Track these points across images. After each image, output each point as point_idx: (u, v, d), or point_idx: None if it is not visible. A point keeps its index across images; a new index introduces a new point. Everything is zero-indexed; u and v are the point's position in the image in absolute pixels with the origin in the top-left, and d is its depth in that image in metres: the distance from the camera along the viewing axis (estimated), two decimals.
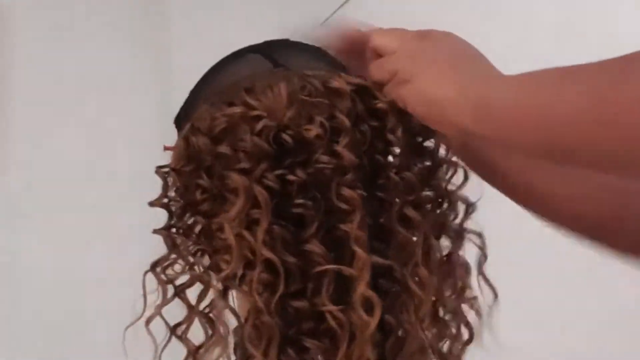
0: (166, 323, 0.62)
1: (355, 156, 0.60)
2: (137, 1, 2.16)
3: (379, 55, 0.65)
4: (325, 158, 0.60)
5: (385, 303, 0.60)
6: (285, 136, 0.60)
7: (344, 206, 0.60)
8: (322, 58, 0.67)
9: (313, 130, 0.60)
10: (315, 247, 0.59)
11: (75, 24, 2.10)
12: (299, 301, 0.60)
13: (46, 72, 2.03)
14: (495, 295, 0.66)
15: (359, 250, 0.59)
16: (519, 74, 0.55)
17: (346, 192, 0.59)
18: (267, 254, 0.58)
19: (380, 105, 0.63)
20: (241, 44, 0.69)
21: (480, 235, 0.67)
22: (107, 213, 1.88)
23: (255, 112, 0.61)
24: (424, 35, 0.63)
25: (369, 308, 0.58)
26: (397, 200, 0.62)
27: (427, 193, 0.65)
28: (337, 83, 0.62)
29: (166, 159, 0.67)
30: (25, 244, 1.92)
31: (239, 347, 0.62)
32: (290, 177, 0.60)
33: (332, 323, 0.59)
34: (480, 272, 0.67)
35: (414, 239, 0.62)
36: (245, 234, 0.59)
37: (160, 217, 0.66)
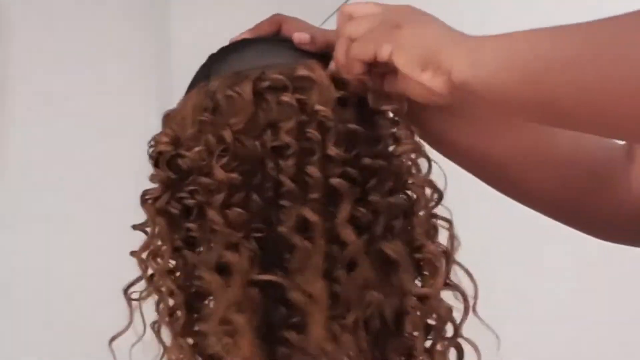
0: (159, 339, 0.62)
1: (241, 171, 0.57)
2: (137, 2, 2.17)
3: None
4: (202, 179, 0.58)
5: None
6: (179, 161, 0.59)
7: (214, 227, 0.57)
8: (276, 50, 0.63)
9: (194, 151, 0.58)
10: (202, 272, 0.58)
11: (75, 23, 2.10)
12: (205, 324, 0.59)
13: (46, 71, 2.03)
14: (476, 293, 0.58)
15: (235, 277, 0.56)
16: (508, 33, 0.53)
17: (210, 213, 0.57)
18: (168, 284, 0.59)
19: (286, 99, 0.57)
20: None
21: (449, 222, 0.59)
22: (108, 213, 1.88)
23: (162, 139, 0.61)
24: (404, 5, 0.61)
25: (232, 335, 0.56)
26: (292, 204, 0.56)
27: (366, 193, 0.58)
28: (241, 89, 0.58)
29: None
30: (25, 245, 1.92)
31: None
32: (187, 202, 0.59)
33: (216, 348, 0.57)
34: (450, 262, 0.59)
35: (311, 245, 0.56)
36: (152, 263, 0.60)
37: None
